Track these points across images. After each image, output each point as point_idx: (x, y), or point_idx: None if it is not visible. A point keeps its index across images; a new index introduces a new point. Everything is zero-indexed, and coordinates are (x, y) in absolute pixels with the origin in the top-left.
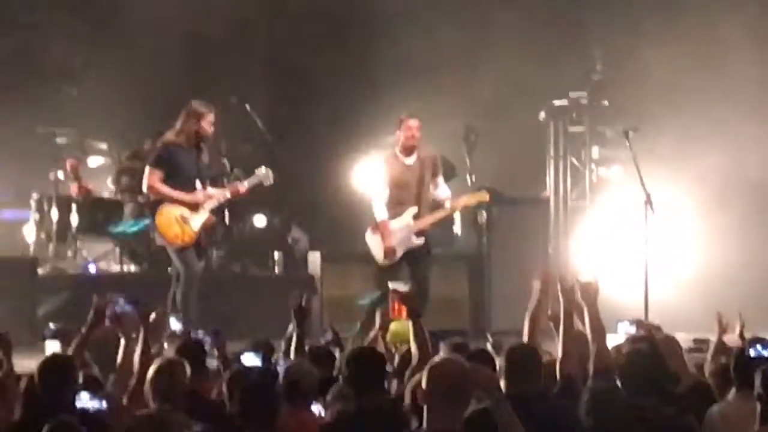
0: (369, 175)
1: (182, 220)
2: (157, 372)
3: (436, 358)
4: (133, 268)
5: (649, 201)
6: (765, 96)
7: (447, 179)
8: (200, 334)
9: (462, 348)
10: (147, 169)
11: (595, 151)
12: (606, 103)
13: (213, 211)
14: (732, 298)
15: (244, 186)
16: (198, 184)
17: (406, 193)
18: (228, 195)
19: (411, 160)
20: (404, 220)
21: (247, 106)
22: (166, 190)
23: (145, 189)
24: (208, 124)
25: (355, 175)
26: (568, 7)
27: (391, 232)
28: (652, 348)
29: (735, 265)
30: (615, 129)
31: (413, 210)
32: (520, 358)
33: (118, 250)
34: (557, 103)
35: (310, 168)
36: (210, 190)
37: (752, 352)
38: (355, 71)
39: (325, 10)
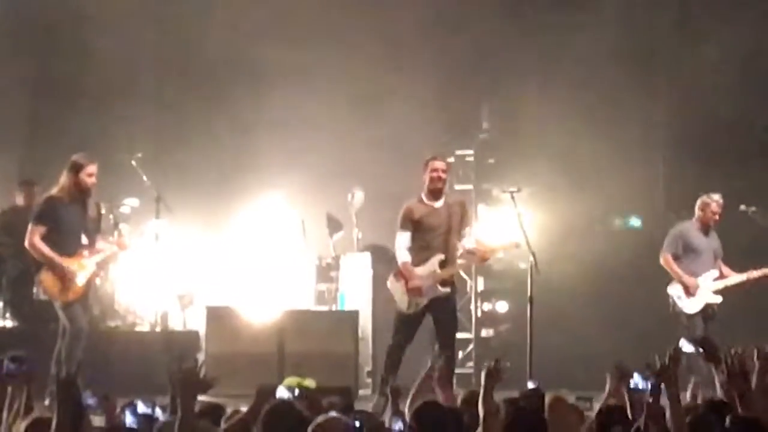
0: (253, 225)
1: (68, 275)
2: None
3: (320, 418)
4: (14, 323)
5: (534, 260)
6: (647, 151)
7: (333, 233)
8: (87, 396)
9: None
10: (30, 225)
11: (482, 208)
12: (492, 161)
13: (98, 265)
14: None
15: (131, 239)
16: (84, 238)
17: (432, 237)
18: (114, 249)
19: (438, 204)
20: (430, 268)
21: (133, 162)
22: (45, 250)
23: (27, 245)
24: (86, 175)
25: (239, 231)
26: (455, 66)
27: (416, 275)
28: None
29: (613, 323)
30: (500, 187)
31: (440, 257)
32: (429, 416)
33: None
34: None
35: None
36: (100, 244)
37: (631, 383)
38: (236, 129)
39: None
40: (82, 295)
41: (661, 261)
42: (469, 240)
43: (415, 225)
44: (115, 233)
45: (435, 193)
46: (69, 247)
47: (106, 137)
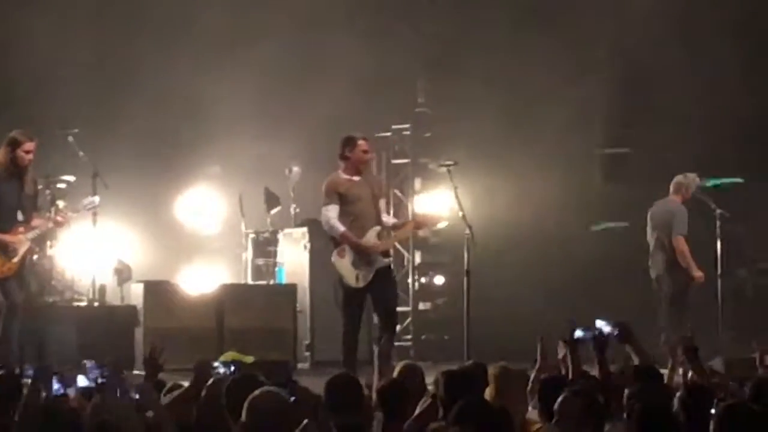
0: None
1: (2, 251)
2: None
3: (257, 391)
4: None
5: (470, 234)
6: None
7: (271, 208)
8: (28, 369)
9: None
10: None
11: (418, 182)
12: (428, 135)
13: (34, 241)
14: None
15: (68, 215)
16: (20, 214)
17: (359, 208)
18: (51, 225)
19: (358, 178)
20: (369, 239)
21: (70, 138)
22: None
23: None
24: (23, 152)
25: (177, 206)
26: (393, 41)
27: (361, 241)
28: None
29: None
30: (437, 161)
31: (377, 229)
32: (341, 388)
33: None
34: (380, 135)
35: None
36: (36, 221)
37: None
38: (175, 104)
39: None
40: (17, 272)
41: (676, 243)
42: (387, 215)
43: (341, 198)
44: (52, 209)
45: (357, 171)
46: (4, 224)
47: (42, 113)
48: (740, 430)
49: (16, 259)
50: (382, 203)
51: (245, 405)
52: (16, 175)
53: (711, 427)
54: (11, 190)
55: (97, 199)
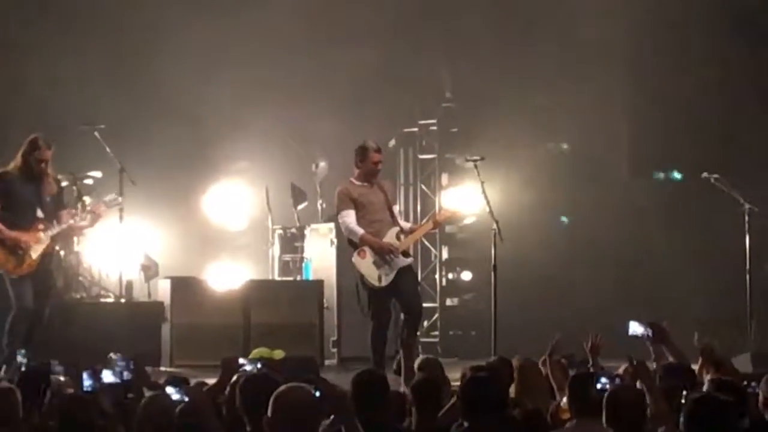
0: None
1: (22, 247)
2: None
3: (283, 387)
4: None
5: (497, 229)
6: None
7: (297, 204)
8: (55, 365)
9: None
10: None
11: (445, 178)
12: (455, 130)
13: (54, 239)
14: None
15: (101, 208)
16: (39, 212)
17: (374, 212)
18: (80, 221)
19: (370, 185)
20: (389, 240)
21: (96, 134)
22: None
23: None
24: (38, 158)
25: (204, 202)
26: (420, 36)
27: (381, 241)
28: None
29: (577, 290)
30: (463, 157)
31: (395, 229)
32: (368, 385)
33: None
34: (407, 130)
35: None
36: (65, 217)
37: (599, 386)
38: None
39: None
40: (36, 270)
41: None
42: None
43: (355, 204)
44: (79, 205)
45: (369, 178)
46: (23, 221)
47: (68, 109)
48: (707, 421)
49: (35, 257)
50: (395, 209)
51: (271, 400)
52: (34, 174)
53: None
54: (29, 188)
55: (119, 198)
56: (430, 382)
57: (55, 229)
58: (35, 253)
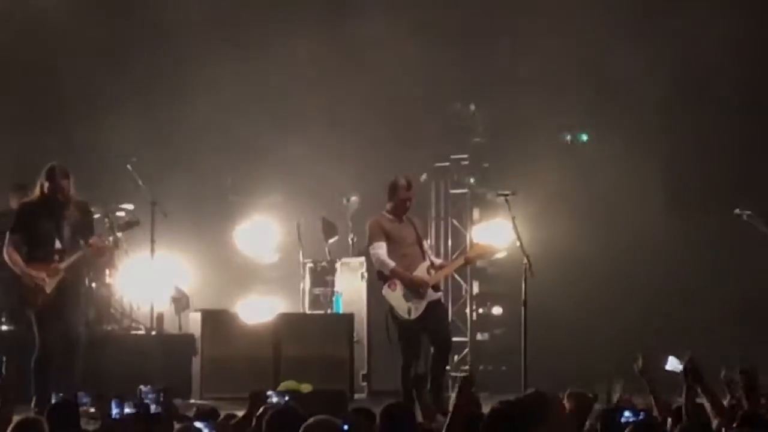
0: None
1: (38, 284)
2: (14, 430)
3: (311, 420)
4: (9, 328)
5: (528, 263)
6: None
7: (328, 238)
8: (82, 396)
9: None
10: (7, 234)
11: (476, 212)
12: (487, 165)
13: (68, 270)
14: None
15: (107, 240)
16: (58, 244)
17: (404, 247)
18: (90, 252)
19: (400, 220)
20: (419, 274)
21: (129, 167)
22: (16, 260)
23: (4, 255)
24: (56, 184)
25: (236, 235)
26: (450, 70)
27: (412, 275)
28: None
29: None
30: (494, 191)
31: (426, 264)
32: (396, 417)
33: None
34: (439, 164)
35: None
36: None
37: (623, 419)
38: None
39: None
40: (54, 303)
41: None
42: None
43: (386, 237)
44: (110, 239)
45: (399, 213)
46: (41, 253)
47: (101, 142)
48: None
49: (49, 291)
50: (425, 244)
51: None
52: (53, 204)
53: None
54: (48, 219)
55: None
56: (404, 409)
57: (69, 260)
58: (49, 287)
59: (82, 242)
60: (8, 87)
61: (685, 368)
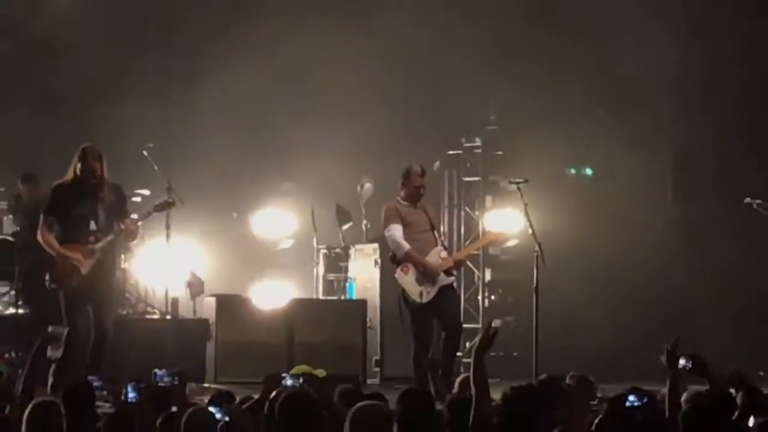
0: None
1: (73, 265)
2: (31, 412)
3: (360, 404)
4: (26, 311)
5: (540, 251)
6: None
7: (342, 224)
8: (94, 380)
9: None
10: (41, 216)
11: (489, 200)
12: (500, 153)
13: (104, 250)
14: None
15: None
16: (93, 225)
17: (417, 232)
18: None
19: (414, 207)
20: (434, 258)
21: (144, 152)
22: (52, 243)
23: (38, 238)
24: (88, 166)
25: (251, 221)
26: (464, 57)
27: (425, 260)
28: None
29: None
30: (507, 179)
31: (439, 249)
32: (414, 402)
33: (13, 292)
34: (451, 152)
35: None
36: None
37: (627, 403)
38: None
39: None
40: (89, 285)
41: None
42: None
43: (402, 221)
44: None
45: (412, 200)
46: (76, 235)
47: (117, 127)
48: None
49: (84, 272)
50: (437, 233)
51: (349, 416)
52: (87, 186)
53: None
54: (82, 201)
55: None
56: (467, 400)
57: (104, 242)
58: (85, 269)
59: (115, 225)
60: (25, 73)
61: (692, 361)
